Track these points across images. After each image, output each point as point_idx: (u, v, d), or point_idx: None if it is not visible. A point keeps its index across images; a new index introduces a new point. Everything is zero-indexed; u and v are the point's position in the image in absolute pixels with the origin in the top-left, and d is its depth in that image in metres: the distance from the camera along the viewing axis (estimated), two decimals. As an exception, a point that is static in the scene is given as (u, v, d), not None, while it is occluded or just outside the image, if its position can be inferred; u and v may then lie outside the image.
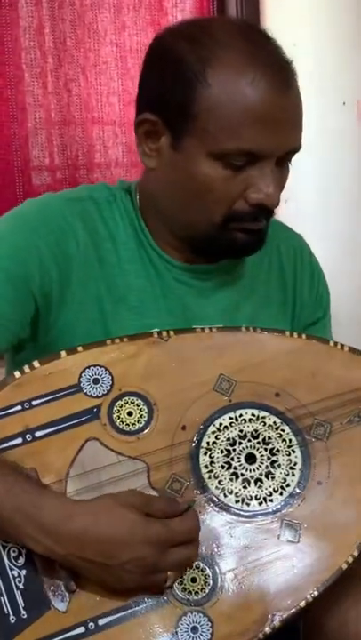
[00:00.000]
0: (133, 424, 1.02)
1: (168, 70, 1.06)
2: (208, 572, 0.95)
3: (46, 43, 1.60)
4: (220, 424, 1.03)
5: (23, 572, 0.94)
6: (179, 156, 1.07)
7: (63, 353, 1.04)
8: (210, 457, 1.02)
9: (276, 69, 1.04)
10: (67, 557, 0.91)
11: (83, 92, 1.58)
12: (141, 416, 1.02)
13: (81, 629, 0.91)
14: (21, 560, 0.94)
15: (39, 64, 1.63)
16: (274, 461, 1.02)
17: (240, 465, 1.02)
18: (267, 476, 1.02)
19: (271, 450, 1.03)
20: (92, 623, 0.92)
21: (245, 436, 1.04)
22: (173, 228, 1.14)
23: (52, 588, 0.93)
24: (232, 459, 1.02)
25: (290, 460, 1.03)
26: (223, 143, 1.03)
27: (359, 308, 1.72)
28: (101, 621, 0.92)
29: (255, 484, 1.01)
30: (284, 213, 1.58)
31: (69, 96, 1.57)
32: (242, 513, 0.99)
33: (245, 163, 1.04)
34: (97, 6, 1.66)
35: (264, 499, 1.00)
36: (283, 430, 1.04)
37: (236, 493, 1.00)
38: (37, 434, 0.99)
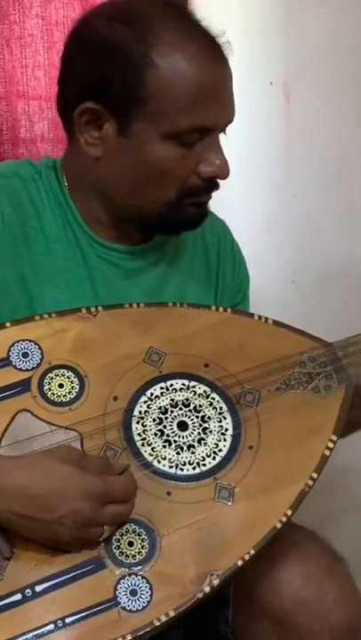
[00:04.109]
0: (65, 395, 1.02)
1: (107, 55, 1.04)
2: (145, 535, 0.95)
3: (-31, 14, 1.57)
4: (152, 394, 1.04)
5: None
6: (129, 142, 1.06)
7: (-9, 328, 1.04)
8: (142, 425, 1.02)
9: (211, 42, 1.06)
10: (2, 514, 0.90)
11: (7, 66, 1.54)
12: (72, 388, 1.02)
13: (17, 596, 0.90)
14: None
15: None
16: (205, 428, 1.04)
17: (172, 432, 1.03)
18: (199, 442, 1.03)
19: (203, 417, 1.04)
20: (29, 590, 0.90)
21: (177, 404, 1.04)
22: (120, 212, 1.13)
23: (-14, 556, 0.91)
24: (164, 426, 1.03)
25: (221, 426, 1.04)
26: (179, 122, 1.04)
27: (283, 293, 1.75)
28: (39, 587, 0.91)
29: (188, 449, 1.02)
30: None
31: (-6, 69, 1.54)
32: (176, 477, 1.00)
33: (197, 139, 1.06)
34: (22, -23, 1.64)
35: (198, 463, 1.01)
36: (213, 398, 1.05)
37: (170, 459, 1.01)
38: (-33, 407, 0.98)
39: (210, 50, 1.06)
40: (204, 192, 1.11)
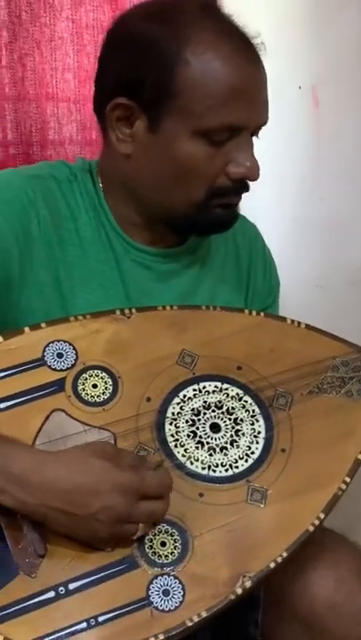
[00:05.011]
0: (98, 396, 1.02)
1: (140, 53, 1.05)
2: (177, 536, 0.95)
3: (1, 16, 1.57)
4: (185, 395, 1.05)
5: None
6: (158, 139, 1.07)
7: (26, 329, 1.04)
8: (175, 426, 1.03)
9: (246, 43, 1.07)
10: (37, 508, 0.90)
11: (37, 67, 1.54)
12: (106, 388, 1.03)
13: (51, 594, 0.90)
14: None
15: (-7, 37, 1.62)
16: (238, 430, 1.04)
17: (205, 434, 1.03)
18: (232, 444, 1.03)
19: (235, 419, 1.05)
20: (62, 588, 0.91)
21: (209, 406, 1.05)
22: (150, 212, 1.14)
23: (20, 553, 0.92)
24: (197, 428, 1.03)
25: (254, 428, 1.04)
26: (208, 120, 1.04)
27: (309, 297, 1.76)
28: (72, 585, 0.91)
29: (221, 451, 1.02)
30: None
31: (24, 71, 1.53)
32: (209, 479, 1.00)
33: (227, 138, 1.06)
34: (53, -19, 1.64)
35: (230, 465, 1.01)
36: (246, 401, 1.06)
37: (203, 461, 1.01)
38: (2, 405, 0.99)
39: (243, 50, 1.06)
40: (233, 193, 1.11)
